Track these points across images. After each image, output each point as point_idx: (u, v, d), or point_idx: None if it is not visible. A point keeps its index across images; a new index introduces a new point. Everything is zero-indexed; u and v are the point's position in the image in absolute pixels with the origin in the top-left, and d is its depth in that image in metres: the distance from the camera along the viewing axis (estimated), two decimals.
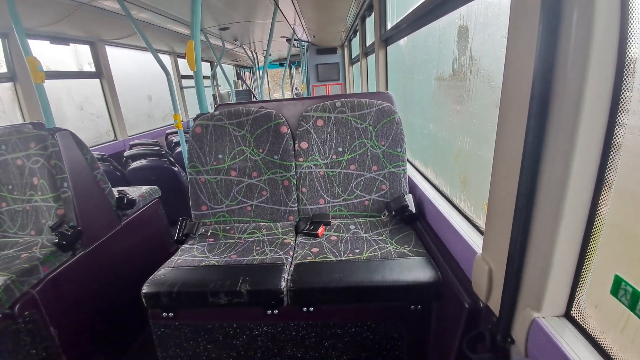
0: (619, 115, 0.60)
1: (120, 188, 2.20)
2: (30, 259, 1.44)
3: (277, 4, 3.60)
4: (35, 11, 2.66)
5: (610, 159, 0.63)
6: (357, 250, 1.44)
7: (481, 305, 0.97)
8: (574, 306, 0.73)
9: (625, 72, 0.59)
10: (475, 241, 1.09)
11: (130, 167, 3.10)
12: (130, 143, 3.87)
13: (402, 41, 2.45)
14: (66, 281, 1.53)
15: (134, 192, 2.22)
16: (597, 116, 0.61)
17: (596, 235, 0.68)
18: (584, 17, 0.58)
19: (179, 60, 6.19)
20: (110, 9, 3.06)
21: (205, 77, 7.21)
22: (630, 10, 0.56)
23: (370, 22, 3.74)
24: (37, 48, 2.48)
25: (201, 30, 3.87)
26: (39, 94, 2.08)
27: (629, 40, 0.58)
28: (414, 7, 1.84)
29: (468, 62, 1.40)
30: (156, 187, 2.40)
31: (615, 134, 0.61)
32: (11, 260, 1.44)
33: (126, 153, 3.29)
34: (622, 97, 0.60)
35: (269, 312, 1.30)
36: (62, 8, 2.77)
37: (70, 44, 3.70)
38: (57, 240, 1.54)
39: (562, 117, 0.63)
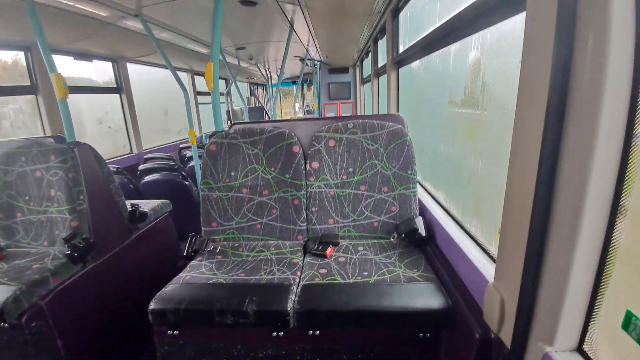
0: (633, 142, 0.60)
1: (133, 201, 2.24)
2: (41, 270, 1.46)
3: (292, 26, 3.72)
4: (61, 28, 2.80)
5: (626, 187, 0.62)
6: (365, 273, 1.42)
7: (492, 336, 0.94)
8: (586, 340, 0.71)
9: None
10: (487, 269, 1.07)
11: (143, 180, 3.17)
12: (145, 157, 3.97)
13: (414, 63, 2.49)
14: (75, 293, 1.55)
15: (146, 205, 2.26)
16: (613, 148, 0.61)
17: (610, 267, 0.66)
18: (598, 36, 0.58)
19: (196, 77, 6.39)
20: (133, 28, 3.21)
21: (220, 94, 7.41)
22: None
23: (382, 44, 3.82)
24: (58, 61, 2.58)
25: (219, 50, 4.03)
26: (62, 108, 2.17)
27: None
28: (427, 33, 1.88)
29: (481, 87, 1.41)
30: (167, 201, 2.44)
31: (630, 163, 0.61)
32: (22, 271, 1.47)
33: (141, 167, 3.37)
34: (635, 132, 0.60)
35: (275, 334, 1.28)
36: (88, 27, 2.92)
37: (94, 61, 3.87)
38: (69, 252, 1.57)
39: (577, 145, 0.63)
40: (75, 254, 1.57)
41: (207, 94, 6.82)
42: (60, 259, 1.56)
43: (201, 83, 6.52)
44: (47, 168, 1.69)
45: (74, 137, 2.21)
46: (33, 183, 1.72)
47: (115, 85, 4.25)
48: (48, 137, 2.07)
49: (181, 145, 5.10)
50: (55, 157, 1.67)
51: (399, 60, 2.82)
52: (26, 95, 3.04)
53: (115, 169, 3.03)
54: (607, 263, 0.66)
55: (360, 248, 1.65)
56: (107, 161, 1.91)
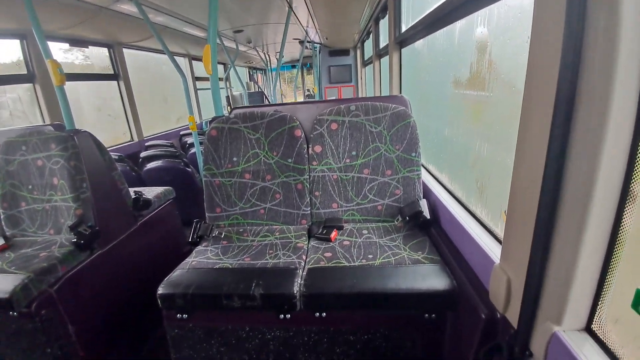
0: None
1: (136, 189, 2.24)
2: (49, 258, 1.48)
3: (290, 7, 3.62)
4: (55, 15, 2.73)
5: (636, 170, 0.60)
6: (370, 256, 1.43)
7: (498, 316, 0.95)
8: (595, 320, 0.71)
9: None
10: (493, 250, 1.07)
11: (146, 168, 3.16)
12: (146, 144, 3.95)
13: (417, 43, 2.43)
14: (83, 280, 1.57)
15: (150, 192, 2.26)
16: (625, 124, 0.59)
17: (620, 247, 0.65)
18: (610, 16, 0.56)
19: (194, 62, 6.29)
20: (129, 12, 3.13)
21: (219, 80, 7.30)
22: None
23: (384, 24, 3.72)
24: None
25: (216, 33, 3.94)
26: (60, 96, 2.14)
27: None
28: (431, 10, 1.82)
29: (487, 65, 1.37)
30: (171, 188, 2.44)
31: None
32: (30, 259, 1.49)
33: (142, 154, 3.35)
34: None
35: (282, 316, 1.30)
36: (82, 12, 2.85)
37: (89, 47, 3.80)
38: (75, 240, 1.58)
39: (588, 124, 0.61)
40: (82, 242, 1.58)
41: (206, 79, 6.74)
42: (68, 247, 1.57)
43: (199, 69, 6.42)
44: (48, 157, 1.68)
45: (73, 124, 2.19)
46: (35, 172, 1.72)
47: (112, 72, 4.19)
48: (47, 125, 2.05)
49: (182, 132, 5.07)
50: (56, 145, 1.66)
51: (402, 40, 2.74)
52: (23, 83, 3.00)
53: (116, 157, 3.03)
54: (617, 243, 0.65)
55: (365, 231, 1.66)
56: (107, 149, 1.89)
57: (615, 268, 0.67)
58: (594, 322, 0.71)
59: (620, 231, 0.65)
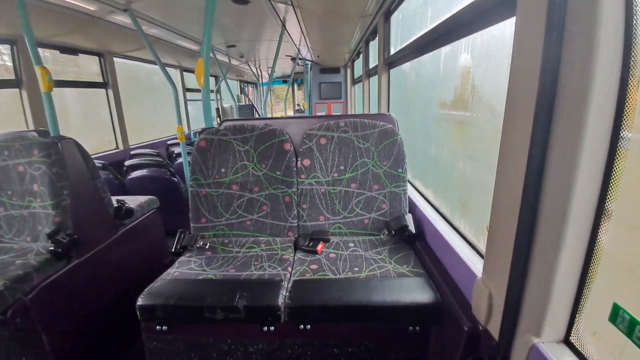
0: (619, 144, 0.62)
1: (119, 197, 2.20)
2: (25, 266, 1.42)
3: (284, 25, 3.72)
4: (48, 22, 2.73)
5: (611, 190, 0.65)
6: (356, 269, 1.44)
7: (480, 328, 0.97)
8: (573, 332, 0.73)
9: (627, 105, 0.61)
10: (475, 264, 1.10)
11: (130, 177, 3.10)
12: (132, 152, 3.89)
13: (405, 65, 2.53)
14: (60, 289, 1.51)
15: (133, 201, 2.21)
16: (599, 150, 0.63)
17: (596, 262, 0.69)
18: (586, 43, 0.60)
19: (185, 74, 6.30)
20: (122, 23, 3.15)
21: (210, 92, 7.31)
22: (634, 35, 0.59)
23: (373, 45, 3.85)
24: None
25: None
26: (47, 102, 2.11)
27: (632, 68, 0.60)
28: (418, 35, 1.91)
29: (470, 89, 1.44)
30: (155, 198, 2.40)
31: (615, 166, 0.63)
32: (5, 266, 1.43)
33: (127, 162, 3.30)
34: (623, 125, 0.62)
35: (265, 328, 1.28)
36: (75, 21, 2.85)
37: (80, 55, 3.78)
38: (52, 248, 1.53)
39: (565, 147, 0.65)
40: (59, 250, 1.53)
41: (197, 90, 6.75)
42: (44, 255, 1.52)
43: (190, 80, 6.44)
44: (29, 162, 1.64)
45: (57, 131, 2.15)
46: (15, 177, 1.67)
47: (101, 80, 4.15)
48: (31, 131, 2.01)
49: (169, 142, 5.02)
50: (39, 151, 1.63)
51: (390, 62, 2.85)
52: (10, 88, 2.95)
53: (100, 165, 2.97)
54: (593, 259, 0.68)
55: (351, 244, 1.67)
56: (91, 156, 1.86)
57: (592, 282, 0.70)
58: (572, 334, 0.73)
59: (596, 247, 0.68)
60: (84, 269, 1.66)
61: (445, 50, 1.68)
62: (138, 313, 1.28)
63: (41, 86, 2.10)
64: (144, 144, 4.93)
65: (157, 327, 1.32)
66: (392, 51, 2.85)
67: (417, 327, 1.27)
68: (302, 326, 1.27)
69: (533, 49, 0.70)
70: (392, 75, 2.98)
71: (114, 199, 2.02)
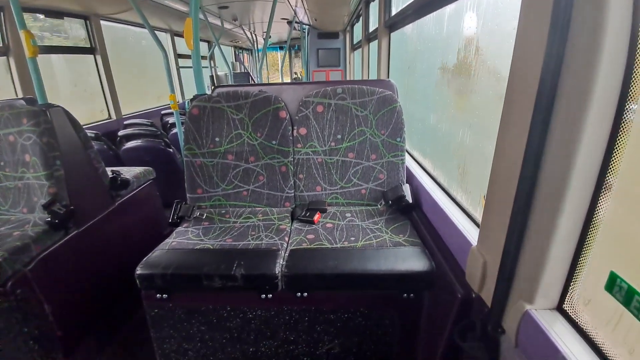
0: (624, 118, 0.60)
1: (114, 168, 2.17)
2: (23, 237, 1.42)
3: None
4: None
5: (613, 160, 0.63)
6: (352, 238, 1.44)
7: (473, 295, 0.98)
8: (566, 300, 0.74)
9: (635, 73, 0.58)
10: (471, 233, 1.10)
11: (124, 147, 3.05)
12: (125, 122, 3.80)
13: (407, 28, 2.40)
14: (59, 260, 1.52)
15: (128, 172, 2.19)
16: (602, 117, 0.61)
17: (593, 232, 0.68)
18: (596, 13, 0.56)
19: (176, 39, 6.03)
20: None
21: (203, 58, 7.05)
22: None
23: (374, 6, 3.65)
24: None
25: (200, 7, 3.78)
26: (32, 68, 2.02)
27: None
28: None
29: (474, 52, 1.37)
30: (151, 169, 2.37)
31: (619, 138, 0.61)
32: (3, 238, 1.43)
33: (120, 132, 3.23)
34: (629, 97, 0.59)
35: (263, 296, 1.30)
36: None
37: (65, 18, 3.58)
38: (49, 219, 1.52)
39: (568, 115, 0.63)
40: (56, 221, 1.53)
41: (189, 57, 6.48)
42: (41, 226, 1.52)
43: (182, 46, 6.17)
44: (19, 132, 1.59)
45: (45, 98, 2.07)
46: (7, 148, 1.63)
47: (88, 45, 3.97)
48: (19, 99, 1.94)
49: (163, 112, 4.91)
50: (28, 120, 1.57)
51: (391, 24, 2.71)
52: None
53: (93, 135, 2.91)
54: (591, 229, 0.68)
55: (348, 215, 1.67)
56: (84, 127, 1.81)
57: (589, 252, 0.70)
58: (565, 302, 0.74)
59: (595, 218, 0.67)
60: (83, 240, 1.67)
61: (449, 9, 1.58)
62: (137, 282, 1.29)
63: (26, 51, 2.00)
64: (138, 113, 4.82)
65: (157, 295, 1.34)
66: (394, 12, 2.70)
67: (412, 294, 1.29)
68: (299, 294, 1.30)
69: (541, 10, 0.65)
70: (393, 39, 2.84)
71: (108, 169, 2.00)
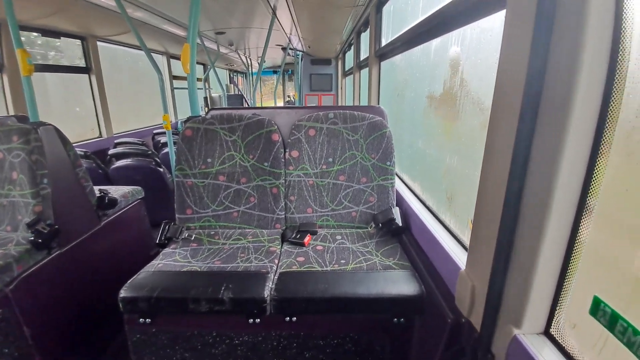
0: (602, 142, 0.63)
1: (102, 187, 2.14)
2: (5, 257, 1.38)
3: (274, 13, 3.64)
4: (30, 3, 2.61)
5: (593, 185, 0.66)
6: (342, 261, 1.44)
7: (463, 320, 0.98)
8: (553, 324, 0.75)
9: (612, 100, 0.61)
10: (460, 257, 1.11)
11: (113, 166, 3.02)
12: (116, 141, 3.79)
13: (396, 58, 2.52)
14: (41, 280, 1.47)
15: (116, 191, 2.16)
16: (583, 145, 0.63)
17: (576, 256, 0.70)
18: (575, 37, 0.60)
19: (172, 61, 6.14)
20: (106, 5, 3.02)
21: (198, 80, 7.16)
22: (623, 35, 0.59)
23: (365, 37, 3.82)
24: None
25: (197, 33, 3.90)
26: (26, 86, 2.03)
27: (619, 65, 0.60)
28: (409, 27, 1.90)
29: (459, 83, 1.44)
30: (139, 188, 2.35)
31: (598, 161, 0.64)
32: None
33: (111, 151, 3.21)
34: (605, 134, 0.62)
35: (251, 321, 1.27)
36: (57, 2, 2.73)
37: (62, 38, 3.63)
38: (32, 238, 1.48)
39: (549, 143, 0.66)
40: (39, 240, 1.48)
41: (184, 78, 6.58)
42: (24, 245, 1.47)
43: (177, 67, 6.28)
44: (9, 149, 1.57)
45: (37, 117, 2.07)
46: None
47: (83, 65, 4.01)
48: (11, 116, 1.93)
49: (155, 131, 4.91)
50: (18, 137, 1.56)
51: (382, 54, 2.83)
52: None
53: (82, 153, 2.88)
54: (574, 253, 0.70)
55: (338, 237, 1.67)
56: (74, 145, 1.80)
57: (573, 276, 0.71)
58: (552, 326, 0.75)
59: (577, 241, 0.69)
60: (66, 260, 1.62)
61: (435, 42, 1.67)
62: (120, 305, 1.25)
63: (21, 69, 2.01)
64: (129, 132, 4.81)
65: (140, 319, 1.30)
66: (383, 43, 2.83)
67: (402, 319, 1.28)
68: (287, 318, 1.27)
69: (522, 42, 0.70)
70: (383, 67, 2.96)
71: (96, 188, 1.97)
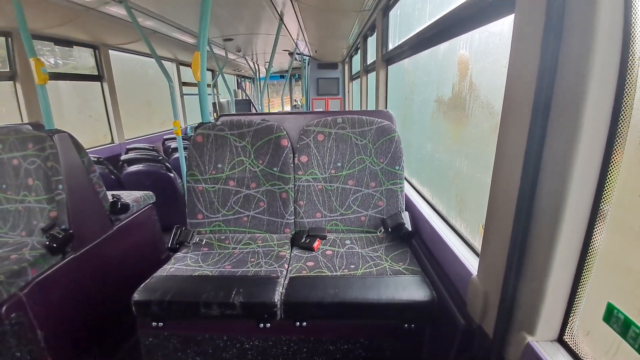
0: (614, 149, 0.63)
1: (114, 192, 2.18)
2: (20, 261, 1.41)
3: (281, 19, 3.68)
4: (42, 13, 2.69)
5: (606, 191, 0.65)
6: (352, 266, 1.44)
7: (475, 326, 0.97)
8: (567, 331, 0.74)
9: (624, 108, 0.61)
10: (471, 262, 1.11)
11: (126, 171, 3.08)
12: (127, 147, 3.86)
13: (404, 61, 2.52)
14: (55, 285, 1.50)
15: (128, 196, 2.20)
16: (595, 150, 0.63)
17: (590, 262, 0.69)
18: (585, 40, 0.60)
19: (181, 67, 6.24)
20: (117, 15, 3.10)
21: (207, 86, 7.26)
22: (632, 40, 0.59)
23: (372, 41, 3.83)
24: None
25: None
26: (41, 95, 2.08)
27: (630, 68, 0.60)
28: (416, 32, 1.90)
29: (467, 87, 1.44)
30: (151, 193, 2.39)
31: (611, 168, 0.64)
32: (0, 261, 1.42)
33: (123, 157, 3.27)
34: (617, 138, 0.62)
35: (261, 325, 1.28)
36: (69, 11, 2.80)
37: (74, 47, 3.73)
38: (47, 243, 1.52)
39: (561, 147, 0.65)
40: (54, 245, 1.52)
41: (193, 85, 6.69)
42: (39, 250, 1.51)
43: (186, 74, 6.38)
44: (24, 156, 1.62)
45: (52, 124, 2.12)
46: (10, 171, 1.65)
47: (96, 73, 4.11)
48: (26, 124, 1.99)
49: (165, 137, 4.99)
50: (33, 145, 1.61)
51: (388, 58, 2.84)
52: (4, 81, 2.92)
53: (95, 159, 2.94)
54: (588, 259, 0.69)
55: (348, 242, 1.67)
56: (86, 150, 1.84)
57: (587, 282, 0.70)
58: (566, 333, 0.74)
59: (591, 247, 0.68)
60: (80, 264, 1.65)
61: (443, 47, 1.67)
62: (133, 309, 1.27)
63: (35, 78, 2.07)
64: (140, 138, 4.89)
65: (153, 323, 1.31)
66: (390, 47, 2.83)
67: (412, 325, 1.27)
68: (297, 323, 1.27)
69: (531, 46, 0.69)
70: (390, 71, 2.96)
71: (109, 193, 2.01)
